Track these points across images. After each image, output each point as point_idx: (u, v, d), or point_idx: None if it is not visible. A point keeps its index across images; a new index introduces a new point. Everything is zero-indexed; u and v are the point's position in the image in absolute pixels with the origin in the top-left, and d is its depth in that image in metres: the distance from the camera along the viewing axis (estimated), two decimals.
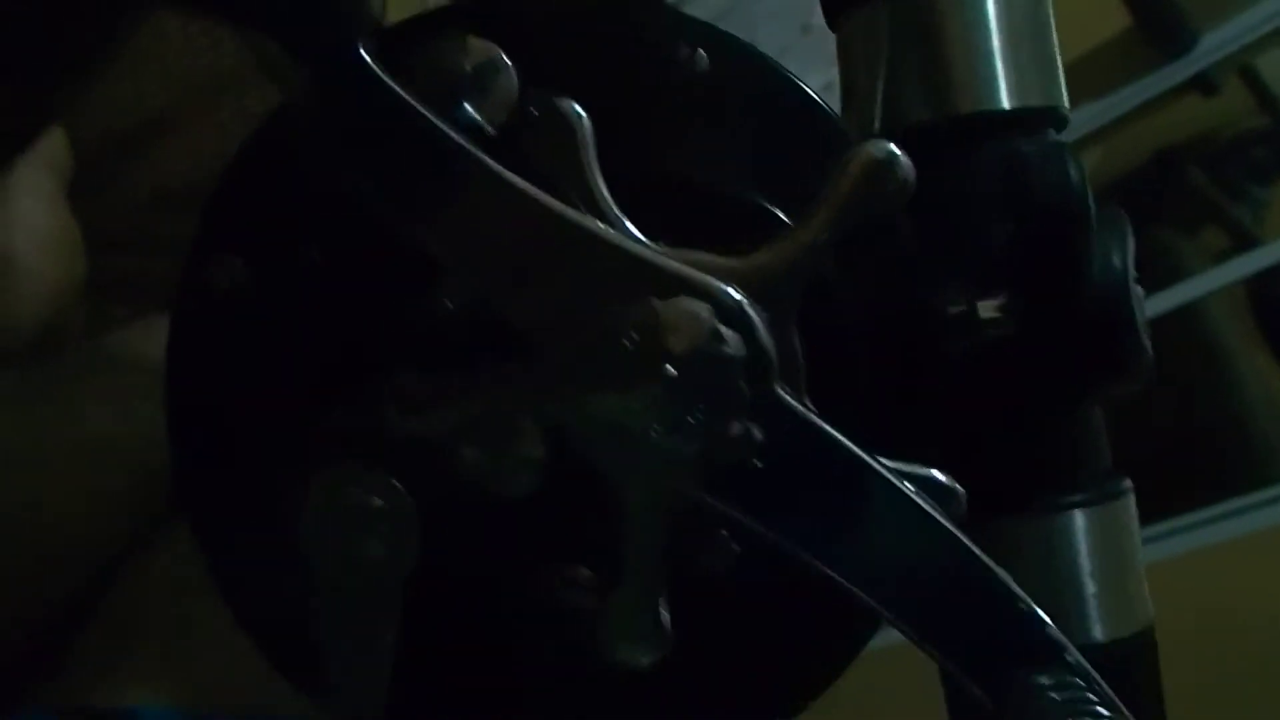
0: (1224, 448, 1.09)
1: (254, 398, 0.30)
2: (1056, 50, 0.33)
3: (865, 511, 0.23)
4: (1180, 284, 0.91)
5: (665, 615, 0.25)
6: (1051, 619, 0.32)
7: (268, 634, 0.30)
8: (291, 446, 0.29)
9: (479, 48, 0.27)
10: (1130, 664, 0.32)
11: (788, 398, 0.23)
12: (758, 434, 0.23)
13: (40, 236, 0.41)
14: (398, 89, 0.24)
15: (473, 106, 0.27)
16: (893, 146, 0.24)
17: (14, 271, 0.40)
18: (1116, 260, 0.29)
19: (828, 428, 0.23)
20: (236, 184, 0.29)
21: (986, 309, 0.30)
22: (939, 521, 0.23)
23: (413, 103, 0.24)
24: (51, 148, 0.44)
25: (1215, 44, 1.00)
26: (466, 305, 0.26)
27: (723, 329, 0.23)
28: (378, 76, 0.24)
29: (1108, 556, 0.32)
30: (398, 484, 0.28)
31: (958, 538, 0.23)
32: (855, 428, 0.28)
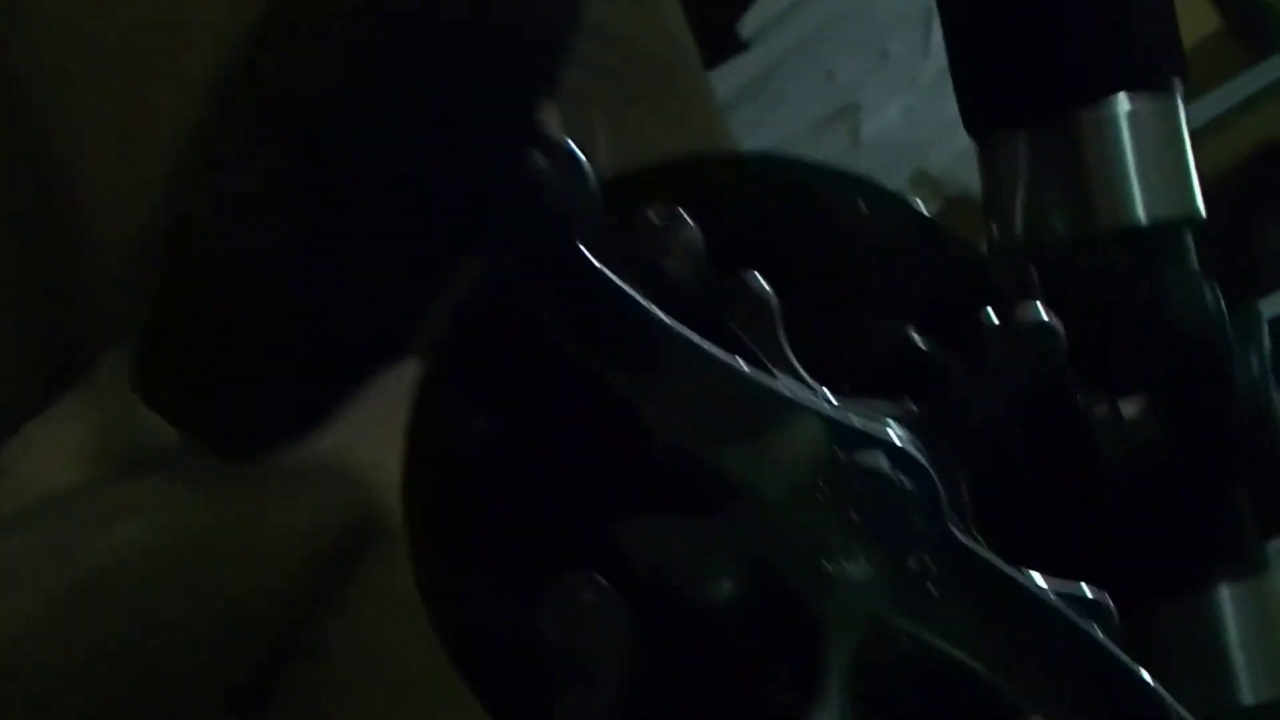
0: None
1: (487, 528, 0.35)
2: (1190, 159, 0.36)
3: (1025, 629, 0.27)
4: None
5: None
6: (1199, 684, 0.35)
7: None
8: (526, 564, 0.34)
9: (665, 207, 0.32)
10: None
11: (956, 530, 0.27)
12: (932, 565, 0.27)
13: None
14: (614, 278, 0.29)
15: (664, 263, 0.32)
16: (1042, 308, 0.28)
17: None
18: (1255, 367, 0.32)
19: (991, 556, 0.27)
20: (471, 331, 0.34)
21: (1129, 409, 0.33)
22: (1091, 635, 0.27)
23: (626, 289, 0.29)
24: None
25: None
26: (676, 459, 0.30)
27: (898, 474, 0.27)
28: (596, 269, 0.29)
29: (1258, 623, 0.35)
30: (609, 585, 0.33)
31: (1107, 649, 0.27)
32: (1021, 541, 0.32)
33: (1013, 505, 0.32)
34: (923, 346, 0.31)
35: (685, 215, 0.32)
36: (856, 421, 0.28)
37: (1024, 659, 0.27)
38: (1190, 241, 0.35)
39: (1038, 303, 0.28)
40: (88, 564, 0.39)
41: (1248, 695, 0.35)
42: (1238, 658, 0.35)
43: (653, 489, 0.31)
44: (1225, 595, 0.35)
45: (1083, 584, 0.29)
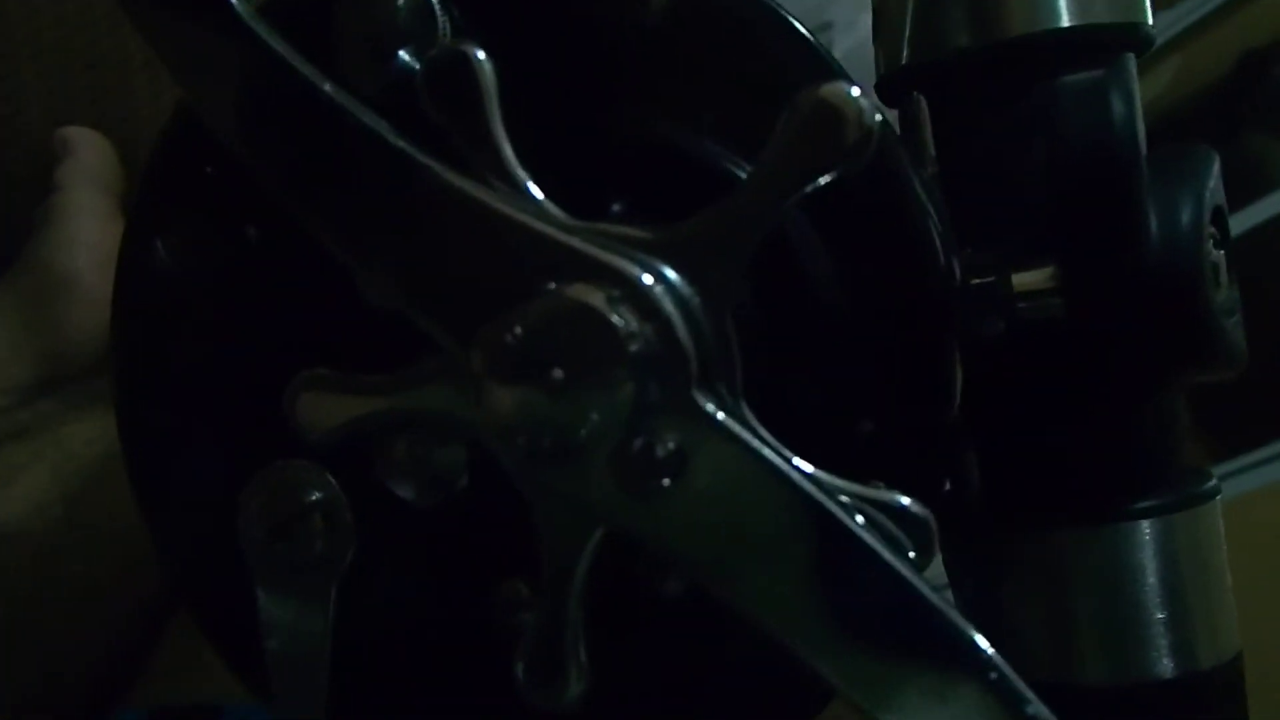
0: None
1: (197, 379, 0.27)
2: None
3: (796, 547, 0.19)
4: (1274, 193, 0.79)
5: (581, 652, 0.21)
6: (1111, 649, 0.27)
7: (219, 631, 0.28)
8: (236, 435, 0.27)
9: None
10: (1205, 702, 0.27)
11: (708, 404, 0.19)
12: (668, 448, 0.19)
13: (102, 256, 0.41)
14: (265, 38, 0.21)
15: (409, 55, 0.24)
16: (851, 88, 0.19)
17: (79, 291, 0.41)
18: (1185, 216, 0.23)
19: (753, 438, 0.19)
20: (169, 158, 0.27)
21: (1023, 281, 0.25)
22: (890, 564, 0.19)
23: (281, 53, 0.21)
24: (104, 166, 0.44)
25: None
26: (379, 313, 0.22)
27: (624, 320, 0.19)
28: (247, 28, 0.21)
29: (1184, 573, 0.27)
30: (332, 479, 0.26)
31: (910, 584, 0.19)
32: (840, 433, 0.23)
33: (830, 388, 0.23)
34: (702, 153, 0.23)
35: None
36: (577, 244, 0.20)
37: (791, 598, 0.19)
38: (1131, 66, 0.26)
39: (837, 82, 0.19)
40: None
41: (1165, 666, 0.26)
42: (1155, 611, 0.26)
43: (362, 345, 0.24)
44: (1144, 532, 0.26)
45: (900, 496, 0.20)
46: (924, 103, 0.28)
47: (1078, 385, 0.25)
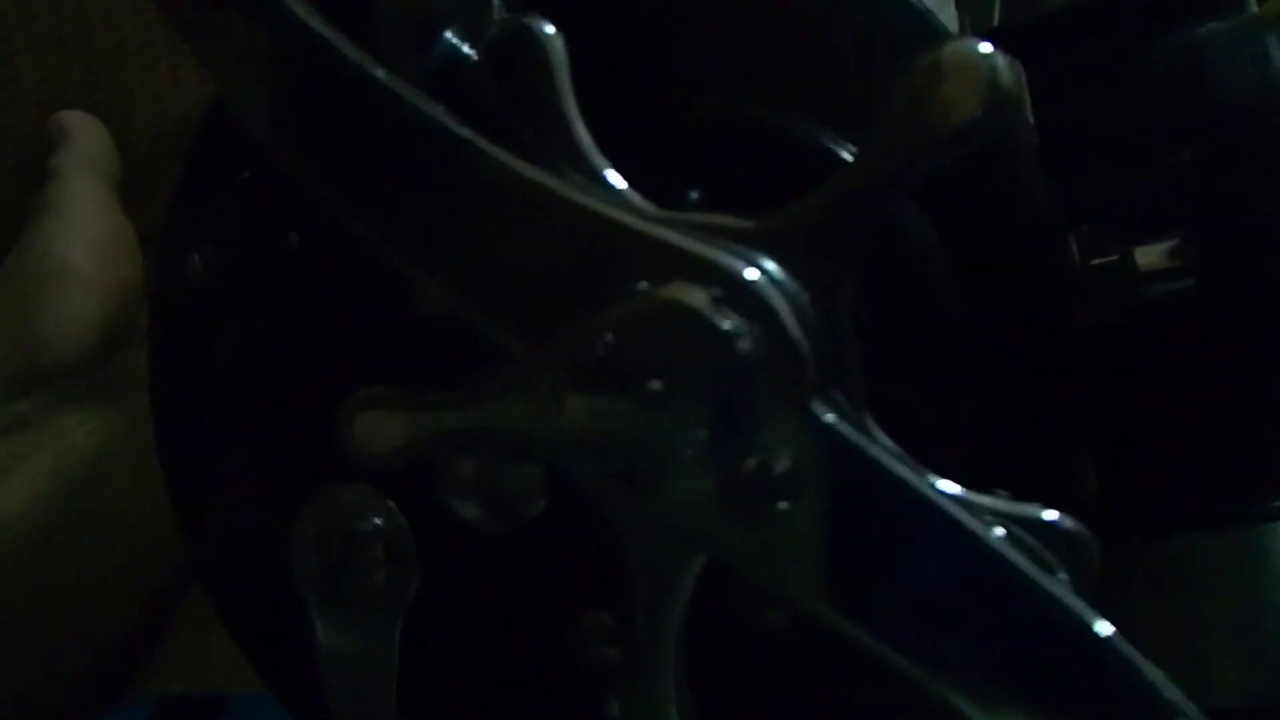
0: None
1: (235, 392, 0.25)
2: None
3: (933, 571, 0.17)
4: None
5: (684, 691, 0.19)
6: (1247, 664, 0.24)
7: (264, 654, 0.26)
8: (284, 454, 0.25)
9: None
10: None
11: (827, 414, 0.17)
12: (783, 465, 0.17)
13: (99, 243, 0.41)
14: (306, 20, 0.19)
15: (456, 36, 0.21)
16: (981, 45, 0.17)
17: (77, 279, 0.40)
18: None
19: (885, 456, 0.17)
20: (202, 161, 0.25)
21: (1149, 257, 0.22)
22: (1038, 583, 0.16)
23: (326, 35, 0.18)
24: (100, 152, 0.43)
25: None
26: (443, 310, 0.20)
27: (730, 322, 0.17)
28: (286, 9, 0.19)
29: None
30: (393, 505, 0.23)
31: (1063, 604, 0.16)
32: (954, 441, 0.21)
33: (942, 387, 0.21)
34: (802, 135, 0.20)
35: None
36: (672, 237, 0.17)
37: (927, 624, 0.17)
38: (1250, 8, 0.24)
39: (962, 41, 0.16)
40: None
41: None
42: None
43: (416, 366, 0.21)
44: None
45: (1045, 508, 0.18)
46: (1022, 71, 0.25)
47: (1209, 374, 0.23)
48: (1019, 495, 0.18)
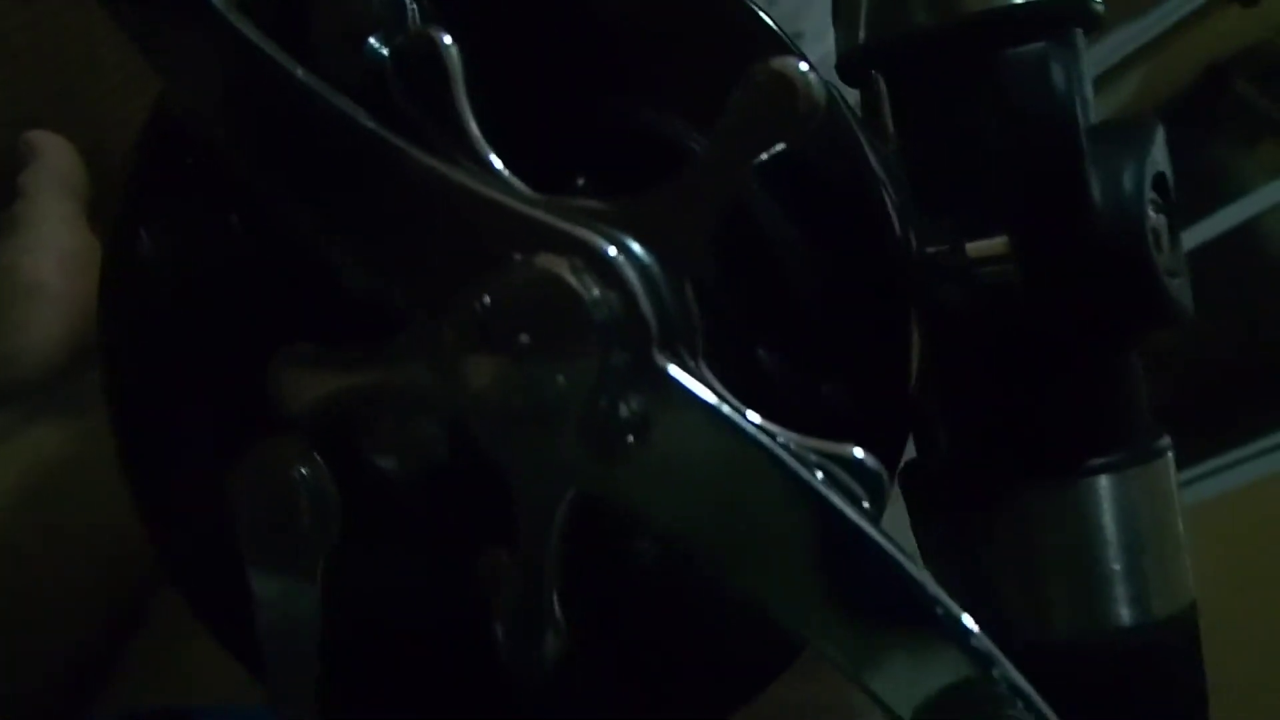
0: None
1: (184, 367, 0.28)
2: None
3: (758, 502, 0.20)
4: (1238, 201, 0.82)
5: (558, 612, 0.22)
6: (1069, 599, 0.28)
7: (243, 645, 0.29)
8: (225, 417, 0.28)
9: None
10: (1162, 651, 0.28)
11: (668, 365, 0.20)
12: (632, 409, 0.20)
13: (68, 261, 0.41)
14: (238, 26, 0.22)
15: (379, 42, 0.25)
16: (800, 62, 0.20)
17: (46, 296, 0.40)
18: (1127, 183, 0.24)
19: (714, 399, 0.20)
20: (151, 150, 0.27)
21: (978, 249, 0.26)
22: (844, 514, 0.19)
23: (253, 39, 0.22)
24: (69, 171, 0.44)
25: None
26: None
27: (588, 288, 0.20)
28: (221, 17, 0.22)
29: (1139, 527, 0.28)
30: (318, 456, 0.26)
31: (865, 532, 0.19)
32: (803, 397, 0.24)
33: (790, 349, 0.24)
34: (673, 134, 0.24)
35: None
36: (543, 216, 0.21)
37: (754, 548, 0.20)
38: (1079, 41, 0.27)
39: (788, 58, 0.20)
40: None
41: (1124, 614, 0.27)
42: (1113, 563, 0.27)
43: (343, 333, 0.24)
44: (1103, 487, 0.27)
45: (855, 449, 0.21)
46: (882, 82, 0.29)
47: (1034, 348, 0.26)
48: (864, 445, 0.22)
